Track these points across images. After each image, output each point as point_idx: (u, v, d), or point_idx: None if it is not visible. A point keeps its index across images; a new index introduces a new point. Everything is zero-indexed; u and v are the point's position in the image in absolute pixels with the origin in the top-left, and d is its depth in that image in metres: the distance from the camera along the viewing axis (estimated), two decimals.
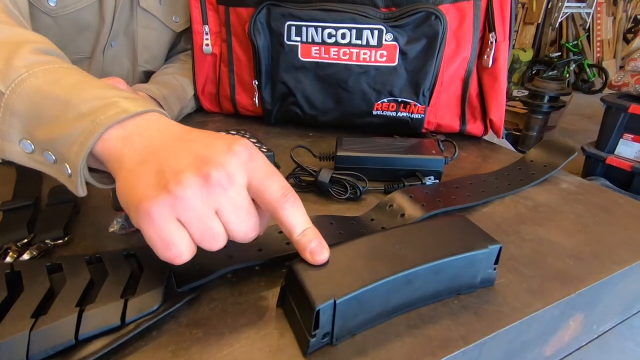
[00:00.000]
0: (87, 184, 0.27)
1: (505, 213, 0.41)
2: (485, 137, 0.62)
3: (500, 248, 0.29)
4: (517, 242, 0.36)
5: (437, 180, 0.45)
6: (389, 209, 0.39)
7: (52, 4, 0.54)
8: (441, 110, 0.58)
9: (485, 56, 0.54)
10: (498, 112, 0.56)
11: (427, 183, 0.44)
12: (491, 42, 0.53)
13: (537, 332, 0.30)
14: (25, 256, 0.32)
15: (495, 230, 0.38)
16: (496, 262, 0.29)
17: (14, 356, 0.22)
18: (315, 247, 0.26)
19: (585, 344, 0.45)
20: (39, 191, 0.43)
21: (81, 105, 0.26)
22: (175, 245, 0.23)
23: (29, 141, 0.28)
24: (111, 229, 0.36)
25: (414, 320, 0.27)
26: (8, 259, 0.31)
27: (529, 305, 0.29)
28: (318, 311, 0.23)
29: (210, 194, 0.23)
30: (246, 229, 0.25)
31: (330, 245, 0.27)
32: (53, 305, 0.24)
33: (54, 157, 0.27)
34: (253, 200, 0.26)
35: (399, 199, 0.40)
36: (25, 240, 0.34)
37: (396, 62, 0.54)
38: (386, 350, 0.25)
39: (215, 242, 0.25)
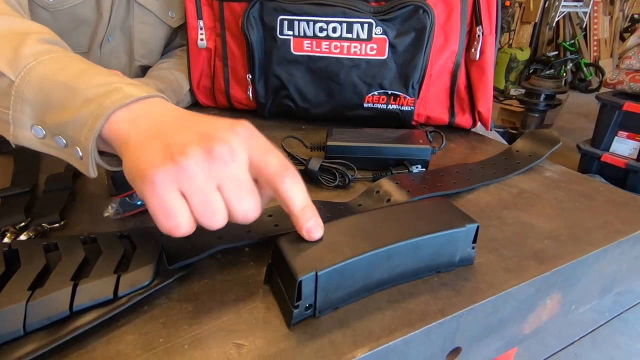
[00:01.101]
0: (97, 166, 0.29)
1: (489, 199, 0.42)
2: (477, 131, 0.64)
3: (478, 227, 0.30)
4: (499, 226, 0.37)
5: (424, 169, 0.47)
6: (375, 194, 0.41)
7: None
8: (430, 103, 0.60)
9: (473, 49, 0.55)
10: (486, 104, 0.58)
11: (414, 171, 0.46)
12: (478, 36, 0.54)
13: (513, 309, 0.31)
14: (23, 237, 0.33)
15: (478, 215, 0.39)
16: (474, 241, 0.31)
17: (12, 325, 0.23)
18: (312, 225, 0.27)
19: (579, 339, 0.46)
20: (36, 179, 0.44)
21: (87, 91, 0.27)
22: (175, 215, 0.24)
23: (40, 127, 0.29)
24: (106, 214, 0.38)
25: (395, 295, 0.29)
26: (6, 240, 0.33)
27: (506, 282, 0.30)
28: (300, 282, 0.24)
29: (213, 167, 0.24)
30: (247, 208, 0.26)
31: None
32: (49, 279, 0.26)
33: (64, 141, 0.28)
34: (255, 182, 0.27)
35: (386, 185, 0.41)
36: (23, 224, 0.35)
37: (386, 55, 0.55)
38: (367, 322, 0.26)
39: (215, 219, 0.25)
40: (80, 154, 0.28)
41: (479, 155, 0.54)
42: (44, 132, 0.29)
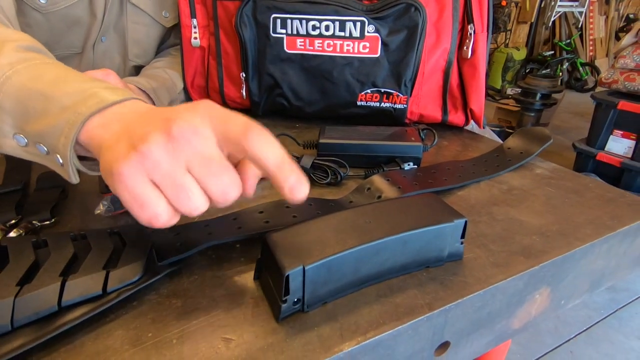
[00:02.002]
0: (79, 171, 0.29)
1: (480, 196, 0.43)
2: (472, 129, 0.64)
3: (466, 222, 0.30)
4: (488, 222, 0.38)
5: (416, 166, 0.47)
6: (367, 191, 0.41)
7: (42, 1, 0.55)
8: (423, 101, 0.60)
9: (465, 47, 0.55)
10: (478, 102, 0.58)
11: (406, 168, 0.46)
12: (470, 34, 0.54)
13: (502, 304, 0.31)
14: (12, 234, 0.33)
15: (468, 211, 0.39)
16: (462, 236, 0.31)
17: None
18: (293, 182, 0.24)
19: (575, 336, 0.46)
20: (27, 177, 0.44)
21: (63, 99, 0.28)
22: (149, 205, 0.23)
23: (21, 135, 0.29)
24: (97, 211, 0.38)
25: (384, 290, 0.29)
26: None
27: (494, 276, 0.30)
28: (287, 277, 0.24)
29: (176, 147, 0.23)
30: (222, 184, 0.24)
31: (303, 221, 0.28)
32: (37, 275, 0.26)
33: (45, 149, 0.29)
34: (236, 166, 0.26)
35: (377, 182, 0.41)
36: (13, 221, 0.35)
37: (378, 54, 0.55)
38: (355, 316, 0.27)
39: (192, 202, 0.24)
40: (61, 161, 0.28)
41: (471, 153, 0.54)
42: (26, 140, 0.29)
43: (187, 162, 0.24)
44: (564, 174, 0.48)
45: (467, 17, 0.54)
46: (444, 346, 0.30)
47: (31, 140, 0.29)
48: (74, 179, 0.29)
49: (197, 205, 0.24)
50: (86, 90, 0.28)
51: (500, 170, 0.47)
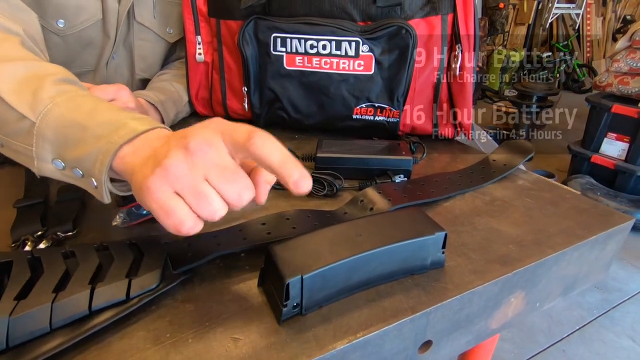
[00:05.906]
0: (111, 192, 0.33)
1: (464, 207, 0.46)
2: (464, 140, 0.68)
3: (446, 234, 0.34)
4: (470, 232, 0.41)
5: (406, 178, 0.51)
6: (360, 203, 0.45)
7: (60, 25, 0.58)
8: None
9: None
10: (466, 115, 0.62)
11: (397, 181, 0.50)
12: (458, 53, 0.58)
13: (479, 307, 0.35)
14: (42, 245, 0.37)
15: (452, 222, 0.43)
16: (443, 246, 0.35)
17: (39, 323, 0.27)
18: (297, 178, 0.27)
19: (567, 335, 0.50)
20: (47, 190, 0.48)
21: (97, 129, 0.32)
22: (174, 212, 0.27)
23: (59, 160, 0.33)
24: (114, 223, 0.41)
25: (372, 295, 0.33)
26: (27, 248, 0.36)
27: (471, 282, 0.34)
28: (288, 284, 0.28)
29: (195, 160, 0.27)
30: (237, 188, 0.27)
31: (302, 234, 0.32)
32: (69, 284, 0.29)
33: (81, 172, 0.33)
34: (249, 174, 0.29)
35: (370, 195, 0.45)
36: (40, 233, 0.39)
37: (372, 71, 0.59)
38: (347, 319, 0.30)
39: (213, 207, 0.27)
40: (95, 184, 0.32)
41: (460, 164, 0.58)
42: (64, 165, 0.33)
43: (204, 172, 0.27)
44: (544, 185, 0.51)
45: (455, 37, 0.58)
46: (426, 344, 0.34)
47: (68, 165, 0.33)
48: (106, 200, 0.33)
49: (216, 209, 0.27)
50: (118, 121, 0.32)
51: (484, 182, 0.51)
